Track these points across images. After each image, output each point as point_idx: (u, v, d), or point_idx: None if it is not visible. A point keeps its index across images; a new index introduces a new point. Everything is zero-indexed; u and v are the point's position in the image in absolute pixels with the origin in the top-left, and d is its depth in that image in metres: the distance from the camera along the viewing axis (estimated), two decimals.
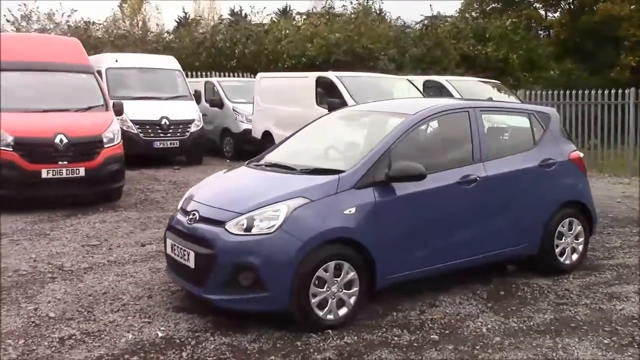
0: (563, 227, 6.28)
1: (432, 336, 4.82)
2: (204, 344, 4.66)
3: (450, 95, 13.45)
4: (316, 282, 4.82)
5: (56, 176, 9.16)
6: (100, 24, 22.33)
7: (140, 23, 30.02)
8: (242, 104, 15.79)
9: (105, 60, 14.88)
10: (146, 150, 13.63)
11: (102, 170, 9.56)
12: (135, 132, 13.67)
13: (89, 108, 10.23)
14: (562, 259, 6.31)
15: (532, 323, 5.10)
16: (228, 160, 15.43)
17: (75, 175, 9.26)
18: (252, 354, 4.51)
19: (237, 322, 4.94)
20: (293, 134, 6.48)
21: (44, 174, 9.10)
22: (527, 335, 4.86)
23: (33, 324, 5.00)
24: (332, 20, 24.84)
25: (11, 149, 9.01)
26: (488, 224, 5.75)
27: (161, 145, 13.86)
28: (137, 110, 13.62)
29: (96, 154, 9.53)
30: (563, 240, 6.30)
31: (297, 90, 13.39)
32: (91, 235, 7.86)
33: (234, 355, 4.50)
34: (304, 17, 29.40)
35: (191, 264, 5.02)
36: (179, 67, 15.51)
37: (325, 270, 4.84)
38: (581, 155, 6.57)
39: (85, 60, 11.00)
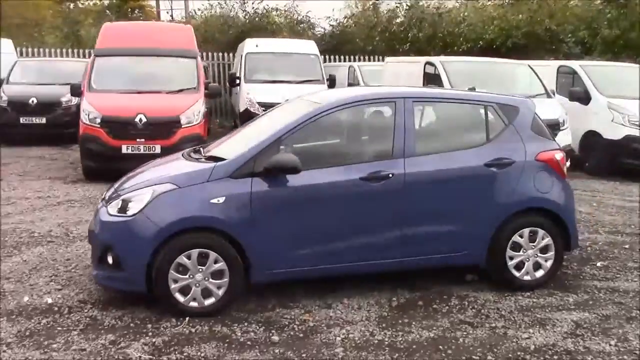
0: (521, 237, 5.46)
1: (273, 337, 4.61)
2: (71, 315, 4.98)
3: (581, 82, 12.05)
4: (179, 268, 4.86)
5: (134, 152, 10.08)
6: (281, 10, 23.46)
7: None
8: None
9: (247, 46, 15.77)
10: None
11: (177, 148, 10.24)
12: (260, 112, 14.31)
13: (180, 90, 11.03)
14: (518, 274, 5.50)
15: (404, 339, 4.62)
16: None
17: (151, 151, 10.07)
18: (99, 328, 4.72)
19: (130, 300, 5.12)
20: (249, 123, 6.44)
21: (123, 149, 10.08)
22: (377, 350, 4.42)
23: None
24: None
25: (98, 126, 10.12)
26: (408, 226, 5.24)
27: None
28: (264, 93, 14.25)
29: (172, 133, 10.28)
30: (521, 253, 5.49)
31: (410, 77, 12.95)
32: None
33: (86, 327, 4.75)
34: None
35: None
36: (316, 52, 15.86)
37: (188, 258, 4.86)
38: (558, 156, 5.59)
39: (190, 45, 11.82)
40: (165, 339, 4.57)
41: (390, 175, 5.15)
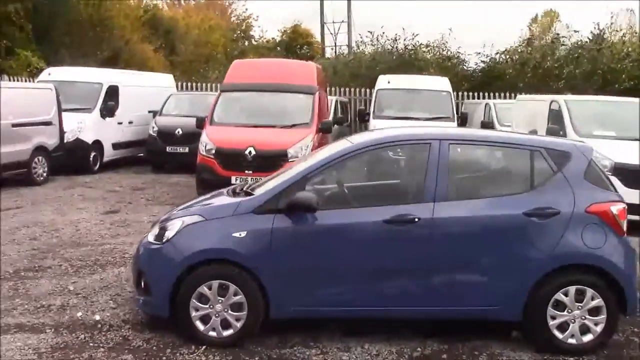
0: (565, 295, 4.99)
1: None
2: (107, 333, 5.35)
3: None
4: (201, 297, 5.05)
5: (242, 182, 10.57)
6: (431, 46, 23.37)
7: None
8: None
9: (380, 82, 15.94)
10: None
11: None
12: None
13: (293, 125, 11.41)
14: (561, 336, 5.02)
15: None
16: None
17: None
18: (125, 348, 5.03)
19: (165, 325, 5.36)
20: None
21: (233, 180, 10.58)
22: None
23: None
24: None
25: (212, 157, 10.77)
26: (434, 274, 5.01)
27: None
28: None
29: (279, 166, 10.61)
30: (565, 313, 5.01)
31: (535, 116, 12.36)
32: None
33: (114, 346, 5.09)
34: None
35: None
36: (448, 89, 15.62)
37: (209, 288, 5.03)
38: (615, 209, 5.04)
39: (310, 82, 12.22)
40: None
41: (417, 220, 4.97)
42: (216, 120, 11.52)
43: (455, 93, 20.49)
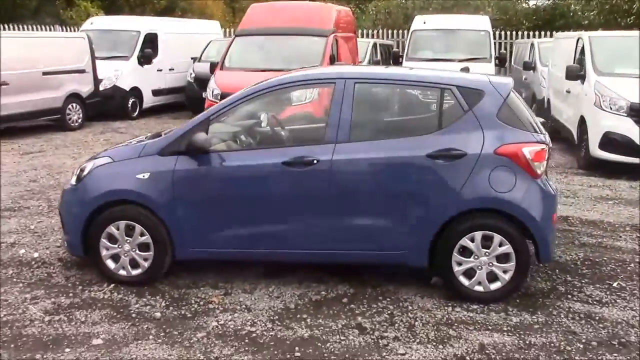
0: (472, 241, 4.74)
1: (156, 314, 4.69)
2: (34, 269, 5.56)
3: None
4: (109, 237, 5.15)
5: None
6: None
7: None
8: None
9: (415, 23, 15.37)
10: None
11: None
12: None
13: (302, 68, 11.22)
14: (467, 283, 4.80)
15: (275, 334, 4.37)
16: None
17: None
18: (41, 284, 5.23)
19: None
20: None
21: None
22: (234, 342, 4.26)
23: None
24: None
25: (217, 101, 10.80)
26: (334, 217, 4.87)
27: None
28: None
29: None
30: (472, 259, 4.77)
31: (569, 54, 11.59)
32: None
33: (34, 282, 5.31)
34: None
35: None
36: (487, 28, 14.86)
37: (117, 228, 5.13)
38: (527, 150, 4.66)
39: (324, 25, 11.96)
40: (73, 301, 4.92)
41: (315, 162, 4.82)
42: (227, 65, 11.54)
43: (514, 32, 19.56)
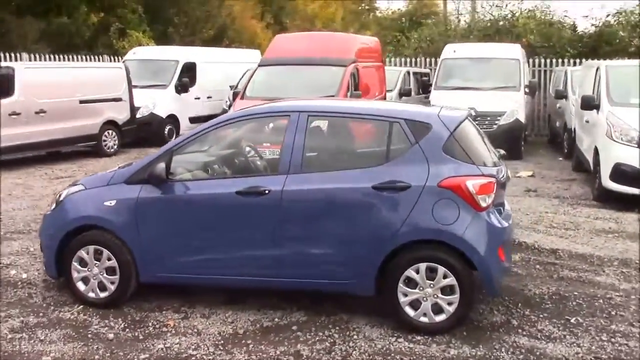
0: (417, 273, 4.79)
1: (109, 335, 4.91)
2: (17, 290, 5.89)
3: None
4: (80, 261, 5.45)
5: (273, 156, 10.84)
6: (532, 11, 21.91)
7: None
8: None
9: (445, 52, 15.41)
10: None
11: None
12: None
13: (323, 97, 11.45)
14: (413, 314, 4.84)
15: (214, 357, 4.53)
16: (560, 158, 14.11)
17: None
18: (19, 304, 5.55)
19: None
20: None
21: None
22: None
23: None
24: None
25: None
26: (285, 246, 5.01)
27: None
28: (446, 101, 13.84)
29: None
30: (417, 291, 4.81)
31: (585, 82, 11.44)
32: None
33: (13, 302, 5.64)
34: None
35: None
36: (518, 56, 14.73)
37: (87, 252, 5.42)
38: (470, 184, 4.68)
39: (345, 54, 12.16)
40: (40, 320, 5.22)
41: (267, 192, 4.99)
42: (247, 95, 11.85)
43: (558, 60, 19.23)
